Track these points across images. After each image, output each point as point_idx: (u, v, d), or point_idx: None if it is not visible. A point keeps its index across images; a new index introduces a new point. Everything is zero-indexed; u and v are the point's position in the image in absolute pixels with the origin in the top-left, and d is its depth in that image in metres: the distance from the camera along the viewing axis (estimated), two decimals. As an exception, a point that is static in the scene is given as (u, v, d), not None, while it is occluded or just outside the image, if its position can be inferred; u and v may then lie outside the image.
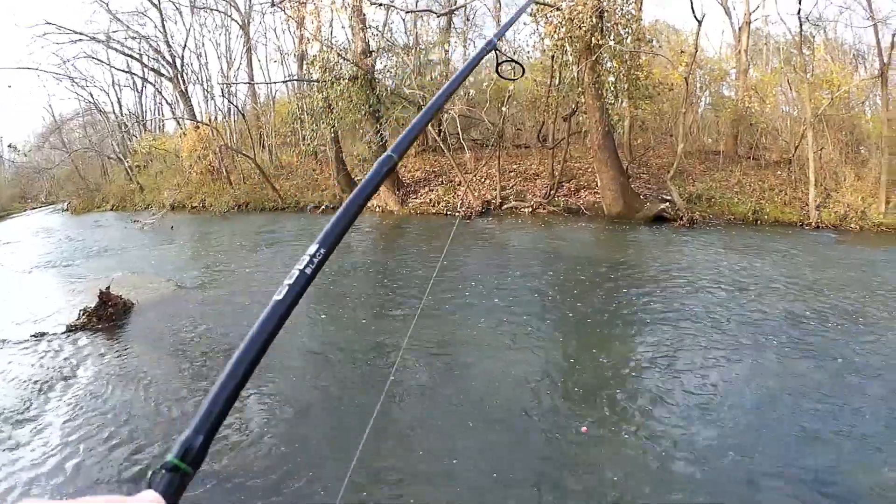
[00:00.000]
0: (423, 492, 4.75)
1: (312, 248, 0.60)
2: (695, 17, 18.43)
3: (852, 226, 17.78)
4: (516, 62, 1.53)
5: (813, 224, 17.47)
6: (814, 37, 21.10)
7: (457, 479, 4.85)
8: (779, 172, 19.00)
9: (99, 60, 26.04)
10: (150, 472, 0.44)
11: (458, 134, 17.18)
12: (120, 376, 7.59)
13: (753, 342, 7.46)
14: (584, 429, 5.40)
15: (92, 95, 29.86)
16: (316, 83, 18.88)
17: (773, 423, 5.48)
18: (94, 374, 8.06)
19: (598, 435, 5.38)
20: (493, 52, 1.32)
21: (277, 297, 0.56)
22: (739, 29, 20.52)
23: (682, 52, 19.36)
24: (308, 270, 0.60)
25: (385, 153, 0.82)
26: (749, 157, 18.83)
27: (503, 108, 17.51)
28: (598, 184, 16.93)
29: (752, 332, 7.77)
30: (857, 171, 19.72)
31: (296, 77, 20.48)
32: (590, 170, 17.42)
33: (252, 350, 0.53)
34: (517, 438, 5.42)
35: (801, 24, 19.34)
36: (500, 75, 1.48)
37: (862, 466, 4.84)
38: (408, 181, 18.60)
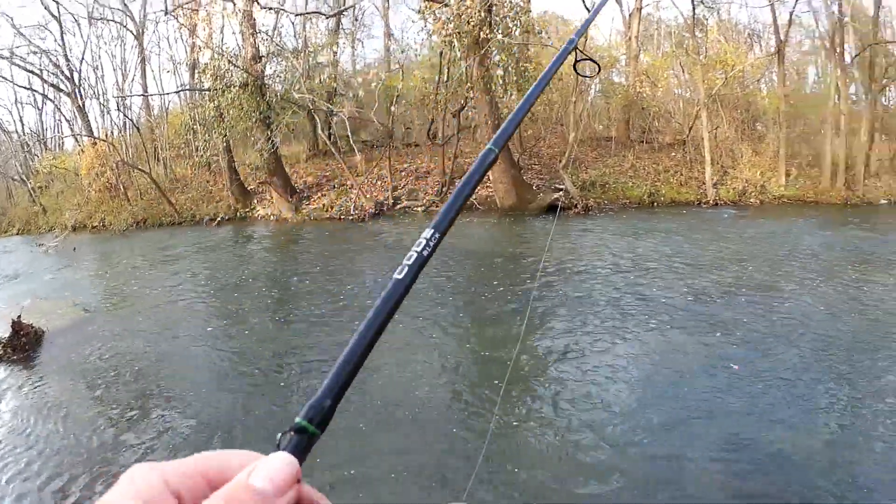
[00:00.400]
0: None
1: (428, 233, 0.63)
2: (585, 6, 18.41)
3: (752, 200, 17.98)
4: (594, 61, 1.54)
5: (711, 202, 17.62)
6: (707, 19, 21.23)
7: (373, 483, 4.82)
8: (673, 154, 19.10)
9: (2, 78, 25.13)
10: (278, 435, 0.44)
11: (348, 136, 16.86)
12: (38, 408, 7.34)
13: (660, 321, 7.48)
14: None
15: (-7, 114, 28.82)
16: (208, 92, 18.43)
17: (684, 398, 5.51)
18: (13, 408, 7.78)
19: (508, 424, 5.34)
20: (575, 50, 1.31)
21: (398, 276, 0.58)
22: (630, 15, 20.55)
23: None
24: (425, 252, 0.62)
25: (486, 148, 0.80)
26: (642, 142, 18.90)
27: (392, 108, 17.26)
28: (490, 177, 16.78)
29: (657, 312, 7.79)
30: (754, 147, 19.93)
31: (188, 87, 19.94)
32: (481, 164, 17.24)
33: (375, 323, 0.54)
34: (428, 437, 5.37)
35: (693, 7, 19.44)
36: (577, 73, 1.47)
37: (768, 435, 4.88)
38: (300, 187, 18.26)
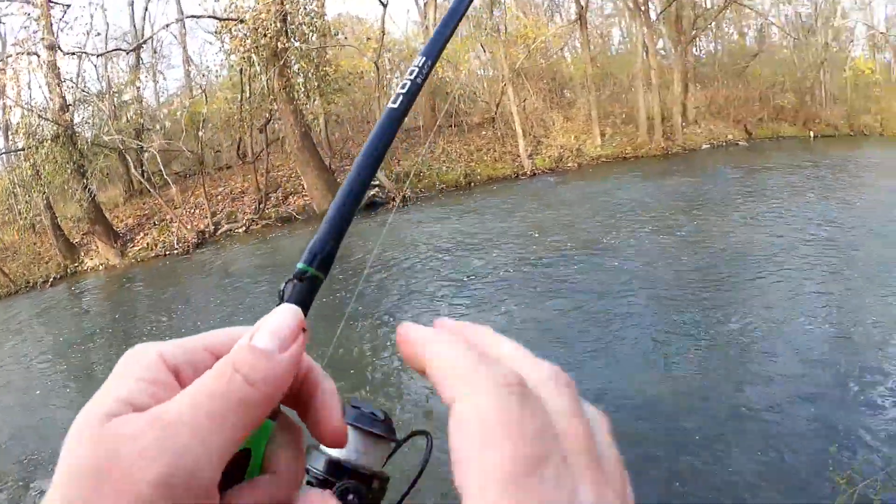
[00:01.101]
0: None
1: (419, 60, 0.58)
2: (381, 1, 18.78)
3: (570, 165, 18.63)
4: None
5: (528, 173, 18.16)
6: (501, -1, 21.79)
7: None
8: (483, 133, 19.67)
9: None
10: (281, 286, 0.42)
11: (160, 171, 16.84)
12: None
13: (500, 296, 7.57)
14: None
15: None
16: (22, 152, 18.10)
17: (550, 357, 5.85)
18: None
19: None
20: None
21: (392, 105, 0.54)
22: (425, 5, 21.06)
23: (368, 38, 19.75)
24: (418, 80, 0.56)
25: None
26: (450, 125, 19.39)
27: (200, 134, 17.30)
28: (304, 186, 17.03)
29: (496, 287, 7.91)
30: (564, 113, 20.65)
31: (3, 150, 19.53)
32: (293, 175, 17.51)
33: (371, 157, 0.51)
34: None
35: (488, -13, 20.04)
36: None
37: (624, 381, 5.16)
38: (122, 230, 18.12)
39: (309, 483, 0.45)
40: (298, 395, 0.38)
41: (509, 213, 13.19)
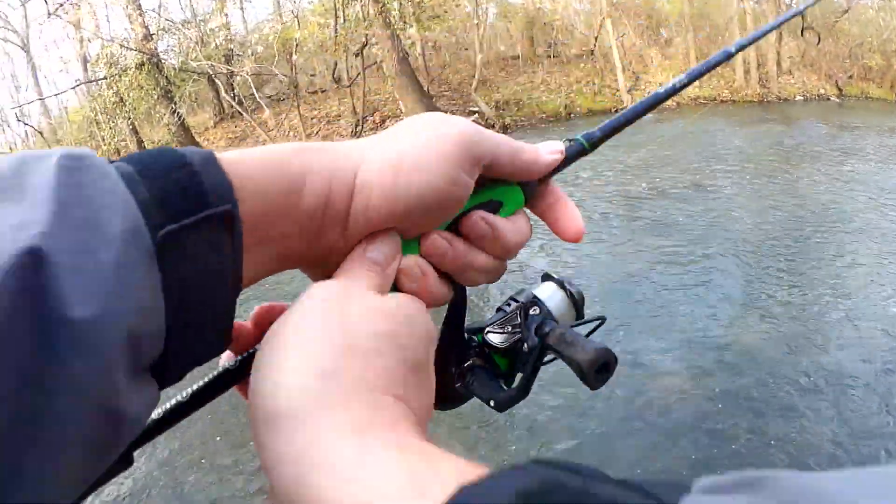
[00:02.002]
0: None
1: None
2: None
3: (669, 103, 17.75)
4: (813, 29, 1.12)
5: (627, 108, 17.35)
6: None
7: None
8: (583, 65, 18.86)
9: None
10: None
11: (253, 94, 16.19)
12: None
13: (595, 228, 7.31)
14: None
15: None
16: (105, 81, 17.60)
17: (642, 295, 5.48)
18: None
19: None
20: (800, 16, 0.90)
21: None
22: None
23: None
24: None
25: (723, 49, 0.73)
26: (549, 56, 18.57)
27: (293, 58, 16.60)
28: (402, 110, 16.23)
29: (592, 220, 7.62)
30: (662, 51, 19.76)
31: (83, 80, 18.98)
32: (390, 99, 16.78)
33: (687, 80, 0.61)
34: None
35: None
36: None
37: (725, 321, 4.88)
38: (213, 154, 17.49)
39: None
40: (549, 206, 0.50)
41: (609, 147, 12.30)
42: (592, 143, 0.54)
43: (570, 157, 0.51)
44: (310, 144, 0.38)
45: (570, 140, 0.53)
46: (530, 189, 0.48)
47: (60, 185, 0.27)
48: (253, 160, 0.34)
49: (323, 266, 0.40)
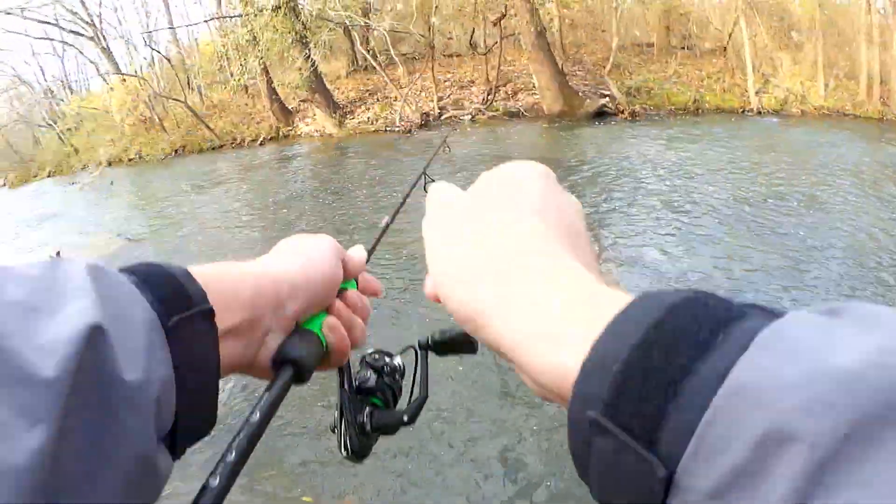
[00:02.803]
0: None
1: None
2: None
3: (793, 110, 17.53)
4: None
5: (755, 110, 17.16)
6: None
7: None
8: (714, 60, 18.60)
9: (14, 32, 24.34)
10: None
11: (388, 50, 16.30)
12: None
13: (711, 228, 7.33)
14: None
15: (13, 69, 28.04)
16: (239, 18, 17.77)
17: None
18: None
19: None
20: None
21: None
22: (663, -77, 19.79)
23: (606, -53, 18.70)
24: None
25: None
26: (683, 48, 18.32)
27: (432, 19, 16.62)
28: (536, 84, 16.26)
29: (709, 219, 7.63)
30: (792, 55, 19.35)
31: (217, 15, 19.26)
32: (525, 72, 16.77)
33: None
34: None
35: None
36: None
37: None
38: (343, 102, 17.74)
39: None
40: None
41: (733, 148, 12.37)
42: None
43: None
44: (251, 267, 0.53)
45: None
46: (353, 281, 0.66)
47: (96, 283, 0.35)
48: (215, 278, 0.45)
49: (252, 367, 0.51)
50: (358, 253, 0.67)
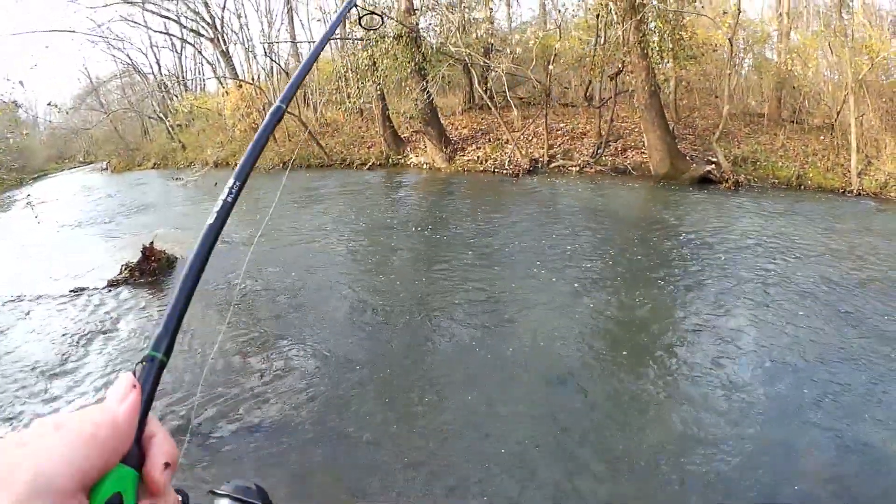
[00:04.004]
0: (460, 445, 4.75)
1: (231, 182, 0.71)
2: None
3: (892, 195, 17.37)
4: (376, 13, 1.88)
5: (854, 191, 17.09)
6: (851, 1, 20.42)
7: (495, 440, 4.79)
8: (821, 137, 18.58)
9: (135, 23, 25.41)
10: (133, 366, 0.55)
11: (504, 92, 16.69)
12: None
13: (799, 308, 7.34)
14: None
15: (130, 57, 29.24)
16: (360, 41, 18.34)
17: (816, 388, 5.40)
18: (135, 328, 8.02)
19: (643, 399, 5.33)
20: (354, 7, 1.42)
21: (209, 221, 0.66)
22: (782, -9, 19.83)
23: (724, 13, 18.77)
24: (229, 199, 0.69)
25: (275, 105, 0.88)
26: (792, 121, 18.36)
27: (550, 67, 16.98)
28: (645, 143, 16.51)
29: (797, 298, 7.65)
30: (896, 138, 19.16)
31: (339, 36, 19.89)
32: (636, 130, 17.03)
33: (196, 265, 0.63)
34: (561, 398, 5.40)
35: (841, -13, 18.67)
36: (363, 27, 1.71)
37: (881, 438, 4.72)
38: (455, 138, 18.21)
39: None
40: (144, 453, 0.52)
41: (830, 229, 12.43)
42: (168, 350, 0.57)
43: (153, 382, 0.54)
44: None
45: (142, 361, 0.55)
46: (132, 454, 0.49)
47: None
48: None
49: None
50: (117, 397, 0.52)
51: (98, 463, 0.45)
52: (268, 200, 16.50)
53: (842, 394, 5.31)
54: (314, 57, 1.10)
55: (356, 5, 1.41)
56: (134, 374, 0.54)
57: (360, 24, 1.65)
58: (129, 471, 0.48)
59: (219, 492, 0.68)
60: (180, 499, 0.56)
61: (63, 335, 7.79)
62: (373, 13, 1.61)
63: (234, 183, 0.70)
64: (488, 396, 5.40)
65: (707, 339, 6.43)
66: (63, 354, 7.17)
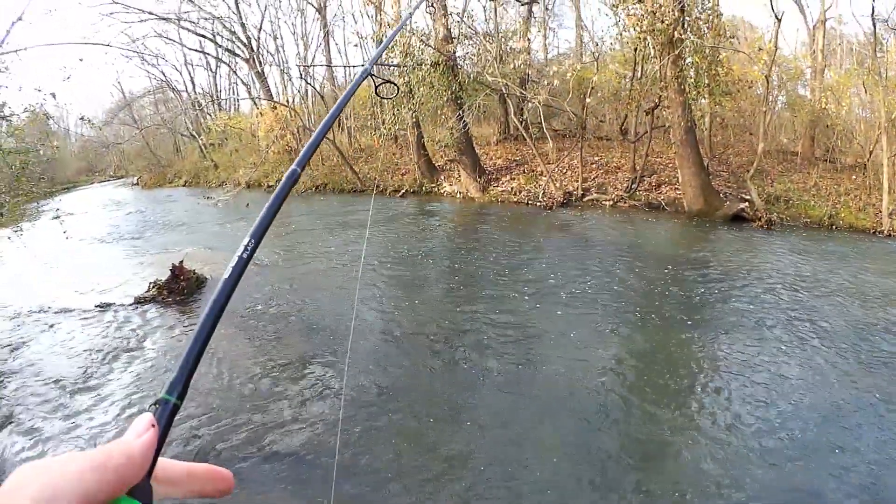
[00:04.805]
0: (488, 481, 4.79)
1: (246, 240, 0.74)
2: (774, 14, 17.87)
3: (939, 238, 17.23)
4: (392, 82, 1.70)
5: (885, 232, 16.98)
6: (885, 40, 20.40)
7: (525, 473, 4.84)
8: (854, 177, 18.55)
9: (170, 39, 25.70)
10: (147, 407, 0.59)
11: (540, 123, 16.77)
12: None
13: (830, 350, 7.33)
14: None
15: (164, 74, 29.58)
16: (397, 68, 18.46)
17: (847, 436, 5.38)
18: (161, 347, 8.01)
19: (672, 439, 5.35)
20: (370, 77, 1.45)
21: (226, 275, 0.69)
22: (814, 27, 19.93)
23: (760, 49, 18.80)
24: (244, 256, 0.72)
25: (291, 168, 0.92)
26: (825, 160, 18.34)
27: (586, 100, 17.04)
28: (679, 179, 16.54)
29: (828, 341, 7.64)
30: (929, 179, 19.06)
31: (376, 62, 20.07)
32: (670, 165, 17.07)
33: (212, 316, 0.65)
34: (591, 436, 5.43)
35: (874, 25, 18.66)
36: (378, 95, 1.65)
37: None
38: (489, 168, 18.30)
39: None
40: (193, 483, 0.56)
41: (860, 270, 12.41)
42: (181, 394, 0.58)
43: (166, 424, 0.56)
44: None
45: (156, 403, 0.57)
46: (143, 490, 0.50)
47: None
48: None
49: None
50: (137, 433, 0.55)
51: (105, 488, 0.47)
52: (298, 223, 16.61)
53: (867, 439, 5.30)
54: (328, 125, 1.12)
55: (371, 74, 1.43)
56: (152, 409, 0.57)
57: (376, 94, 1.66)
58: (134, 502, 0.49)
59: None
60: None
61: (87, 350, 7.84)
62: (389, 81, 1.67)
63: (250, 241, 0.74)
64: (518, 432, 5.43)
65: (737, 383, 6.43)
66: (86, 370, 7.21)
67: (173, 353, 7.57)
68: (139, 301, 9.63)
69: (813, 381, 6.41)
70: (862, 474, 4.82)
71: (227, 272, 0.69)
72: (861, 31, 22.19)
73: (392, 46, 19.19)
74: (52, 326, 9.01)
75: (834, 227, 16.51)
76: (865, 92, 20.22)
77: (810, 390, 6.18)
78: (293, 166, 0.91)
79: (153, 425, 0.54)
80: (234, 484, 0.59)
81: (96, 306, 9.62)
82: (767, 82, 17.67)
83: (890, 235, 16.81)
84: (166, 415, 0.56)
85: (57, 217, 14.80)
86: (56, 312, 9.65)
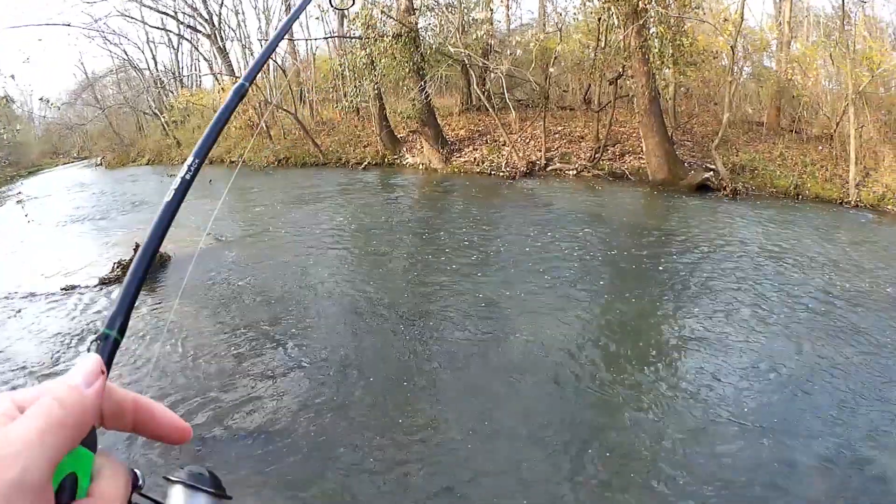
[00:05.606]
0: (458, 453, 4.69)
1: (189, 160, 0.70)
2: None
3: (889, 207, 17.17)
4: None
5: (852, 203, 16.87)
6: (854, 14, 20.29)
7: (493, 444, 4.78)
8: (820, 147, 18.42)
9: (132, 18, 25.09)
10: (87, 341, 0.65)
11: (502, 94, 16.44)
12: (156, 330, 7.38)
13: (793, 318, 7.30)
14: None
15: (126, 52, 28.96)
16: (359, 40, 18.05)
17: (808, 400, 5.40)
18: (127, 328, 7.48)
19: (637, 403, 5.32)
20: None
21: (167, 199, 0.65)
22: (781, 0, 19.66)
23: (725, 20, 18.60)
24: (188, 177, 0.68)
25: (239, 82, 0.88)
26: (791, 130, 18.21)
27: (550, 69, 16.73)
28: (643, 149, 16.32)
29: (791, 308, 7.60)
30: (895, 151, 19.01)
31: (337, 34, 19.63)
32: (634, 135, 16.83)
33: (153, 243, 0.62)
34: (557, 404, 5.40)
35: (843, -1, 18.53)
36: (334, 7, 2.40)
37: (875, 454, 4.68)
38: (452, 139, 17.98)
39: None
40: (138, 422, 0.51)
41: (826, 240, 12.28)
42: (122, 329, 0.56)
43: (108, 362, 0.52)
44: None
45: (97, 339, 0.54)
46: (91, 437, 0.47)
47: None
48: None
49: None
50: (83, 375, 0.49)
51: (65, 449, 0.42)
52: (261, 198, 16.23)
53: (835, 406, 5.27)
54: (283, 33, 1.05)
55: None
56: (88, 348, 0.52)
57: (331, 5, 1.66)
58: (86, 452, 0.46)
59: (173, 479, 0.61)
60: (131, 477, 0.50)
61: (55, 335, 7.58)
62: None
63: (194, 160, 0.69)
64: (486, 404, 5.31)
65: (703, 349, 6.35)
66: (54, 354, 6.97)
67: (139, 334, 7.26)
68: (104, 282, 9.38)
69: (779, 349, 6.33)
70: (827, 436, 4.78)
71: (168, 195, 0.64)
72: (829, 4, 22.11)
73: (354, 18, 18.87)
74: (18, 312, 8.72)
75: (800, 196, 16.38)
76: (833, 64, 20.10)
77: (774, 358, 6.12)
78: (241, 80, 0.85)
79: (102, 371, 0.49)
80: (192, 435, 0.54)
81: (62, 289, 9.34)
82: (733, 53, 17.44)
83: (857, 206, 16.70)
84: (108, 351, 0.53)
85: (20, 203, 14.35)
86: (22, 297, 9.33)
